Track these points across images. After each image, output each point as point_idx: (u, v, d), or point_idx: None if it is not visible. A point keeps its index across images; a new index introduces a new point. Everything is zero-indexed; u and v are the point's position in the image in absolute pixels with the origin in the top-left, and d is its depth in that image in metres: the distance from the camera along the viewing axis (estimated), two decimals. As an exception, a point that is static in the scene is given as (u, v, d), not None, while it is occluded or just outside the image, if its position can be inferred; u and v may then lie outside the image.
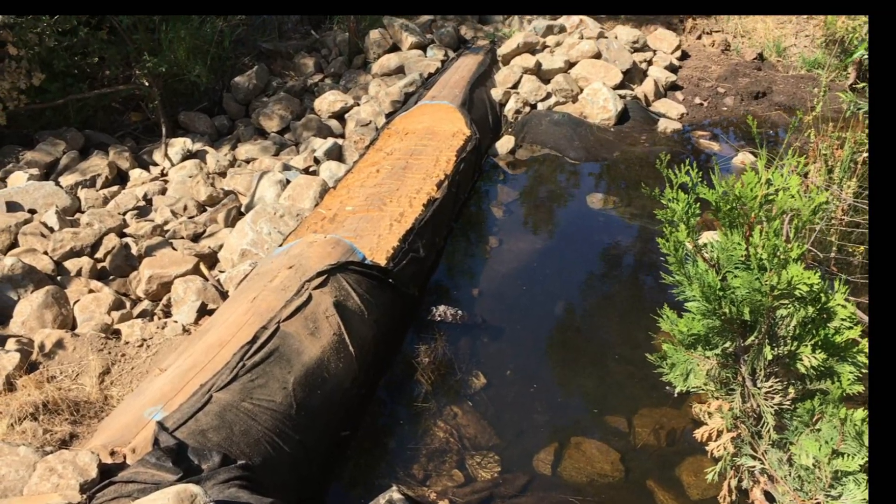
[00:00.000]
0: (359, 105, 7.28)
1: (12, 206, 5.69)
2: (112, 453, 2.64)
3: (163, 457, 2.56)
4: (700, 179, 2.40)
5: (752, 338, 2.37)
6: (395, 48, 8.24)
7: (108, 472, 2.56)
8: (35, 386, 3.31)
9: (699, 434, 2.60)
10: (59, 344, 3.66)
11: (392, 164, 5.75)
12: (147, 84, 6.86)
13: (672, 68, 8.27)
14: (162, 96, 6.88)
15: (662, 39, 8.59)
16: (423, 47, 8.24)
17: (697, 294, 2.30)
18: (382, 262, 4.36)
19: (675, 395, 4.05)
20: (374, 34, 8.16)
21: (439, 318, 4.51)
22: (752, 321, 2.36)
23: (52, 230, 5.35)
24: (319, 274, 3.86)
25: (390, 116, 6.96)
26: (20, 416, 3.02)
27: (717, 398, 2.57)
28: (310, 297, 3.69)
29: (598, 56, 7.74)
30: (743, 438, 2.45)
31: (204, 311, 4.41)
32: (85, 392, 3.39)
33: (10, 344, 3.92)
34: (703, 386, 2.55)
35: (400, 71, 7.82)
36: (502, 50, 7.94)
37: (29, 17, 6.41)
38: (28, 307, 4.35)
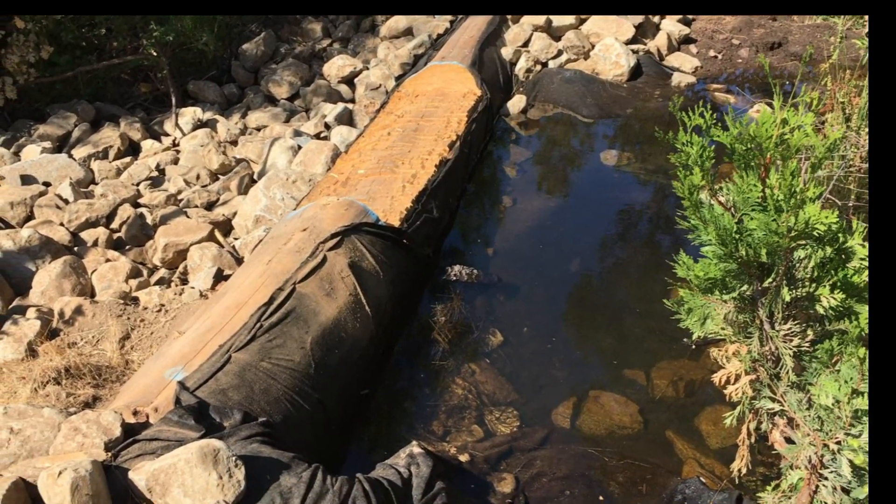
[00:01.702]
0: (368, 69, 7.22)
1: (27, 180, 5.72)
2: (135, 413, 2.67)
3: (185, 415, 2.59)
4: (715, 122, 2.36)
5: (770, 280, 2.35)
6: (402, 10, 8.14)
7: (131, 432, 2.59)
8: (56, 352, 3.35)
9: (717, 378, 2.59)
10: (79, 311, 3.70)
11: (403, 127, 5.71)
12: (155, 54, 6.84)
13: (685, 21, 8.11)
14: (170, 66, 6.86)
15: (675, -8, 8.41)
16: (430, 8, 8.12)
17: (713, 238, 2.28)
18: (396, 223, 4.36)
19: (693, 347, 4.05)
20: (381, -4, 8.06)
21: (454, 278, 4.51)
22: (770, 263, 2.33)
23: (66, 202, 5.39)
24: (333, 235, 3.85)
25: (400, 79, 6.90)
26: (43, 380, 3.06)
27: (734, 342, 2.56)
28: (325, 259, 3.69)
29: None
30: (762, 381, 2.44)
31: (220, 277, 4.43)
32: (106, 357, 3.43)
33: (30, 312, 3.97)
34: (721, 331, 2.54)
35: (409, 33, 7.73)
36: (511, 8, 7.82)
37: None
38: (46, 277, 4.39)
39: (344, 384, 3.43)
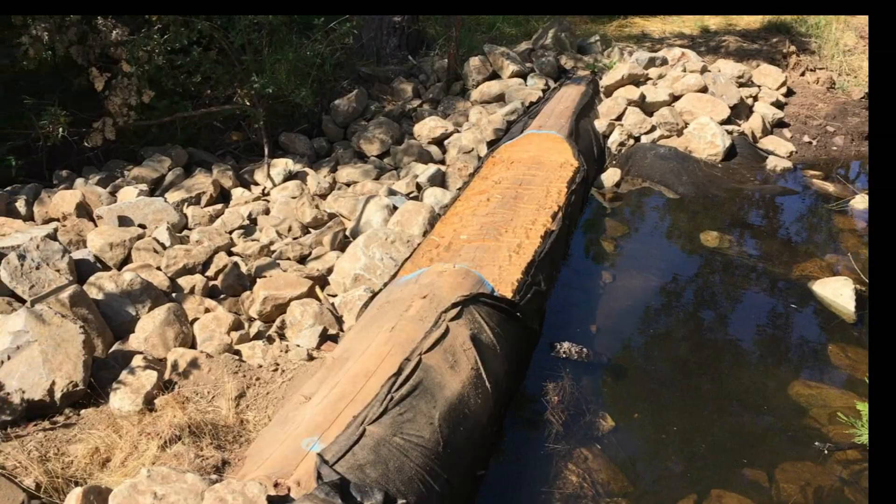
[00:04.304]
0: (459, 132, 7.23)
1: (124, 221, 5.75)
2: (276, 485, 2.54)
3: (331, 492, 2.45)
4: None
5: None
6: (494, 76, 8.19)
7: (272, 506, 2.46)
8: (177, 406, 3.25)
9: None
10: (194, 364, 3.61)
11: (502, 194, 5.64)
12: (251, 104, 6.92)
13: (778, 105, 8.03)
14: (265, 117, 6.93)
15: (767, 75, 8.36)
16: (523, 76, 8.16)
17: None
18: (509, 295, 4.24)
19: (826, 452, 3.83)
20: (474, 61, 8.12)
21: (564, 356, 4.35)
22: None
23: (164, 246, 5.38)
24: (454, 305, 3.75)
25: (492, 144, 6.88)
26: (169, 437, 2.96)
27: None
28: (447, 330, 3.57)
29: (703, 90, 7.56)
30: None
31: (325, 336, 4.33)
32: (221, 415, 3.32)
33: (137, 360, 3.90)
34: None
35: (500, 99, 7.75)
36: (605, 81, 7.83)
37: (141, 34, 6.53)
38: (151, 324, 4.33)
39: (467, 465, 3.27)
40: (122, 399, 3.33)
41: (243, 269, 5.27)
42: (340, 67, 8.18)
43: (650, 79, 7.97)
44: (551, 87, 7.96)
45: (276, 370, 3.64)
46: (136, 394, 3.34)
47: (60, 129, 6.41)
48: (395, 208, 5.86)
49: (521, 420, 4.00)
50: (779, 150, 7.30)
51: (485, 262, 4.62)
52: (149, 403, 3.35)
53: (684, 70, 7.88)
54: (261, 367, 3.68)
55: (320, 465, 2.61)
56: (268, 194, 6.64)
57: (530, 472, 3.68)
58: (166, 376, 3.64)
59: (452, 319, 3.67)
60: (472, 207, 5.50)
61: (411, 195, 6.39)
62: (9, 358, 3.77)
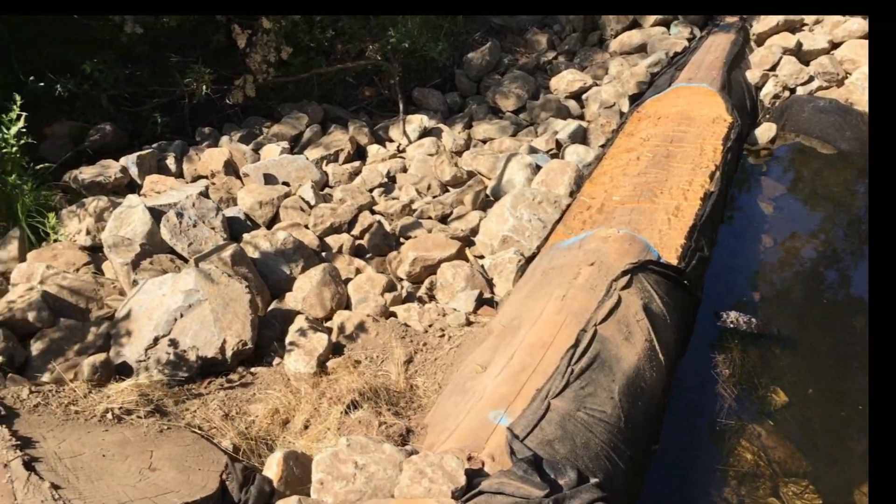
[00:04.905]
0: (598, 85, 6.92)
1: (268, 178, 5.83)
2: (469, 458, 2.50)
3: (529, 470, 2.38)
4: None
5: None
6: (634, 24, 7.77)
7: (468, 479, 2.42)
8: (349, 370, 3.27)
9: None
10: (361, 327, 3.62)
11: (652, 152, 5.36)
12: (386, 59, 6.85)
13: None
14: (400, 73, 6.85)
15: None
16: (666, 24, 7.71)
17: None
18: (673, 261, 4.03)
19: None
20: (613, 10, 7.75)
21: (732, 325, 4.13)
22: None
23: (309, 205, 5.43)
24: (623, 273, 3.59)
25: (635, 98, 6.57)
26: (349, 402, 2.97)
27: None
28: (619, 299, 3.42)
29: (867, 36, 6.93)
30: None
31: (481, 300, 4.27)
32: (391, 380, 3.31)
33: (300, 321, 3.95)
34: None
35: (641, 49, 7.37)
36: (758, 28, 7.30)
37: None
38: (308, 283, 4.38)
39: (645, 440, 3.15)
40: (297, 361, 3.37)
41: (387, 227, 5.26)
42: (471, 19, 7.98)
43: (806, 25, 7.37)
44: (697, 35, 7.49)
45: (442, 336, 3.61)
46: (310, 356, 3.38)
47: (204, 87, 6.55)
48: (538, 167, 5.69)
49: (691, 393, 3.83)
50: (954, 102, 6.64)
51: (642, 226, 4.41)
52: (321, 366, 3.38)
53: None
54: (426, 332, 3.65)
55: (511, 439, 2.55)
56: (403, 151, 6.59)
57: (704, 448, 3.53)
58: (333, 338, 3.67)
59: (623, 288, 3.52)
60: (621, 167, 5.26)
61: (550, 152, 6.19)
62: (181, 316, 3.89)
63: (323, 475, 2.36)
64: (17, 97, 5.00)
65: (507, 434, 2.56)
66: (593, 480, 2.54)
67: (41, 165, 5.29)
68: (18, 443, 2.24)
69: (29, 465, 2.15)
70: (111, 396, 2.61)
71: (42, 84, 6.10)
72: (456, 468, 2.35)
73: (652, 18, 7.65)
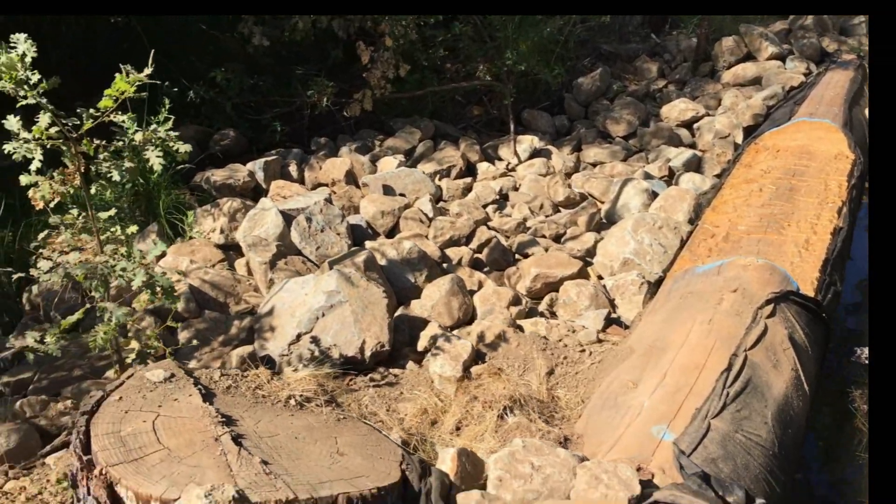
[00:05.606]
0: (710, 115, 6.93)
1: (387, 189, 6.01)
2: (638, 469, 2.56)
3: (703, 485, 2.42)
4: None
5: None
6: (749, 57, 7.77)
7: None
8: (494, 378, 3.36)
9: None
10: (502, 337, 3.71)
11: (775, 184, 5.34)
12: (500, 80, 7.00)
13: None
14: (514, 94, 6.99)
15: None
16: (781, 58, 7.68)
17: None
18: (810, 294, 4.02)
19: None
20: (728, 41, 7.74)
21: (867, 361, 4.09)
22: None
23: (427, 217, 5.57)
24: (768, 301, 3.60)
25: (750, 130, 6.55)
26: (502, 407, 3.06)
27: None
28: (766, 327, 3.44)
29: None
30: None
31: (609, 320, 4.32)
32: (533, 389, 3.39)
33: (433, 327, 4.06)
34: None
35: (756, 82, 7.35)
36: (878, 66, 7.21)
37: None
38: (437, 292, 4.49)
39: (793, 468, 3.15)
40: (444, 365, 3.48)
41: (503, 244, 5.36)
42: (582, 45, 8.09)
43: (928, 64, 7.24)
44: (813, 71, 7.44)
45: (582, 351, 3.67)
46: (456, 360, 3.48)
47: (325, 99, 6.80)
48: (654, 193, 5.73)
49: (827, 424, 3.80)
50: None
51: (771, 257, 4.39)
52: (466, 371, 3.47)
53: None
54: (566, 346, 3.71)
55: (679, 454, 2.59)
56: (513, 170, 6.70)
57: (845, 481, 3.50)
58: (475, 346, 3.77)
59: (768, 317, 3.53)
60: (742, 197, 5.25)
61: (663, 179, 6.22)
62: (323, 315, 4.05)
63: (501, 472, 2.44)
64: (166, 100, 5.29)
65: (673, 449, 2.61)
66: (760, 501, 2.56)
67: (181, 165, 5.55)
68: (224, 419, 2.38)
69: (237, 440, 2.29)
70: (291, 384, 2.76)
71: (176, 90, 6.42)
72: (631, 476, 2.41)
73: (768, 52, 7.62)
